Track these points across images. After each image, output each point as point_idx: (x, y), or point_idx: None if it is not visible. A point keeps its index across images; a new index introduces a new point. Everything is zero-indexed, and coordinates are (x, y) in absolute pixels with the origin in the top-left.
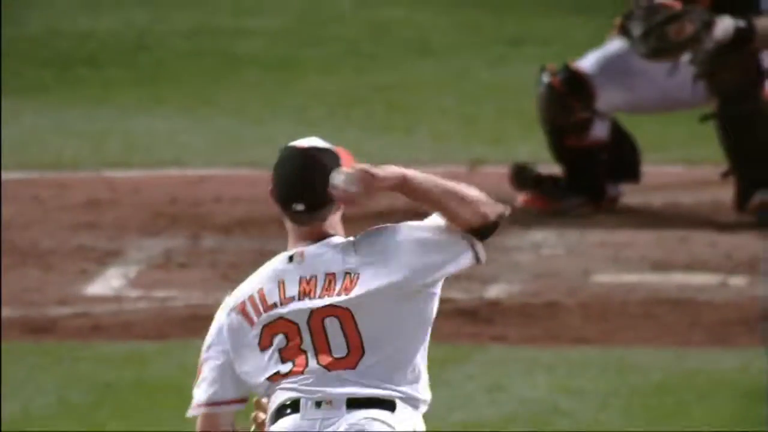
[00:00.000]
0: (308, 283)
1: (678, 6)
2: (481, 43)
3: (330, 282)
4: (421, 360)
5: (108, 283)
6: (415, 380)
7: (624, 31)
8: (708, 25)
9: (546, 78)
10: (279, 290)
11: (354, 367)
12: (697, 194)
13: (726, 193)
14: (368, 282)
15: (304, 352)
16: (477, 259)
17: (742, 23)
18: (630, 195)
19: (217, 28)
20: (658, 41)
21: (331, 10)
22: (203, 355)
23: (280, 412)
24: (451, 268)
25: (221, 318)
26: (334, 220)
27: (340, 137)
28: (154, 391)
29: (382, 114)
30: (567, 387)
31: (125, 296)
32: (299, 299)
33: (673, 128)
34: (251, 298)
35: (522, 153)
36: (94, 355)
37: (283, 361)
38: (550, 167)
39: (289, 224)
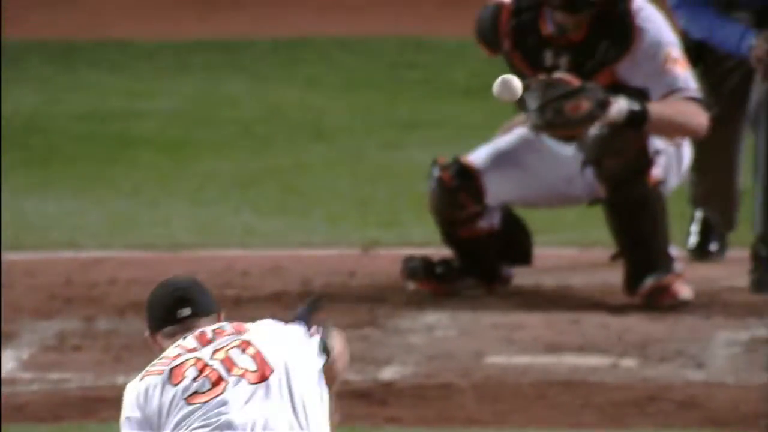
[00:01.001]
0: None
1: (576, 82)
2: (375, 126)
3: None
4: None
5: (1, 365)
6: None
7: (520, 104)
8: (603, 105)
9: (436, 172)
10: (179, 348)
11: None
12: (588, 277)
13: (616, 276)
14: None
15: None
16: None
17: (636, 106)
18: (522, 277)
19: (111, 111)
20: (554, 115)
21: (225, 93)
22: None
23: None
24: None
25: (130, 390)
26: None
27: (235, 219)
28: None
29: (277, 196)
30: None
31: (18, 378)
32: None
33: (564, 211)
34: (153, 365)
35: (415, 235)
36: None
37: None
38: (443, 249)
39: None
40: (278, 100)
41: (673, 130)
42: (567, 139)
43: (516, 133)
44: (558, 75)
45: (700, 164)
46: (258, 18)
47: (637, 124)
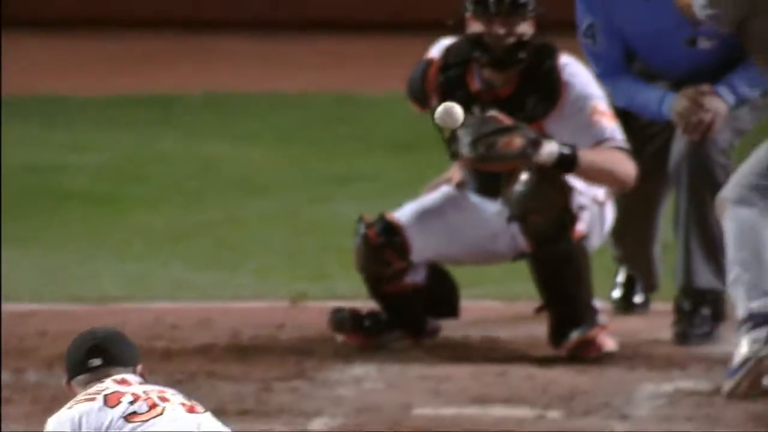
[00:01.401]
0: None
1: (508, 121)
2: (305, 181)
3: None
4: None
5: None
6: None
7: (452, 139)
8: (535, 144)
9: (362, 229)
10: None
11: None
12: (514, 329)
13: (542, 329)
14: None
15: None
16: None
17: (566, 150)
18: (449, 329)
19: (42, 164)
20: (487, 149)
21: (157, 148)
22: None
23: None
24: None
25: (57, 418)
26: None
27: (165, 272)
28: None
29: (207, 250)
30: None
31: None
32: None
33: (490, 265)
34: (77, 399)
35: (343, 288)
36: None
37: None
38: (371, 302)
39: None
40: (210, 154)
41: (602, 176)
42: (493, 192)
43: (441, 190)
44: (492, 113)
45: (620, 228)
46: (190, 73)
47: (567, 167)
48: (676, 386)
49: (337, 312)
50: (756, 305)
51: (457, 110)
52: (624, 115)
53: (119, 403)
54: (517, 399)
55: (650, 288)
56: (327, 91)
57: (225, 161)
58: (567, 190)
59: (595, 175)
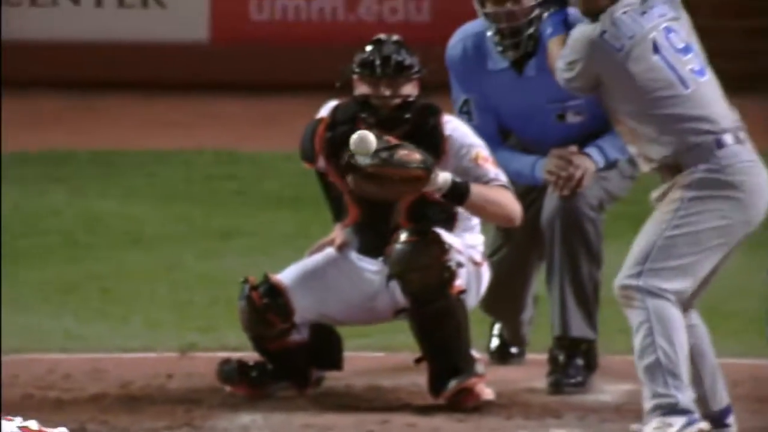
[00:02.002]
0: None
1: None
2: (192, 236)
3: None
4: None
5: None
6: None
7: (351, 156)
8: (432, 165)
9: (246, 291)
10: None
11: None
12: (396, 379)
13: (422, 378)
14: None
15: None
16: None
17: (459, 179)
18: (333, 379)
19: None
20: (389, 156)
21: (47, 203)
22: None
23: None
24: None
25: None
26: None
27: (57, 324)
28: None
29: (98, 302)
30: None
31: None
32: None
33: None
34: None
35: (231, 339)
36: None
37: None
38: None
39: None
40: (98, 209)
41: (491, 210)
42: (375, 251)
43: (324, 253)
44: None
45: (493, 295)
46: (77, 131)
47: (459, 197)
48: None
49: (224, 364)
50: (674, 396)
51: (371, 138)
52: None
53: None
54: None
55: (519, 345)
56: (210, 149)
57: (112, 216)
58: (446, 249)
59: (484, 208)
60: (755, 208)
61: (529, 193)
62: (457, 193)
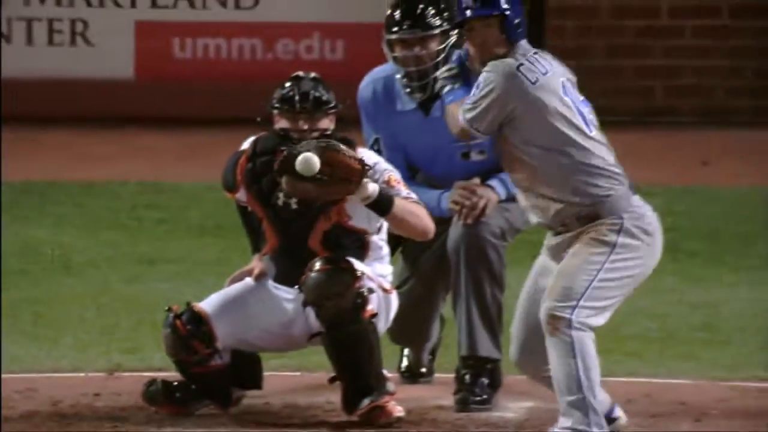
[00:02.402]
0: None
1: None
2: (119, 262)
3: None
4: None
5: None
6: None
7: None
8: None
9: (170, 319)
10: None
11: None
12: (312, 397)
13: (337, 396)
14: None
15: None
16: None
17: (385, 190)
18: (253, 397)
19: None
20: (329, 144)
21: None
22: None
23: None
24: None
25: None
26: None
27: None
28: None
29: (30, 325)
30: None
31: None
32: None
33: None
34: None
35: (156, 360)
36: None
37: None
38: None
39: None
40: (30, 236)
41: (410, 222)
42: (291, 280)
43: (243, 282)
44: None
45: (400, 321)
46: (11, 163)
47: (384, 207)
48: None
49: (150, 384)
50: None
51: (315, 160)
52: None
53: None
54: None
55: (419, 367)
56: (132, 180)
57: (43, 242)
58: (357, 276)
59: (405, 220)
60: (659, 252)
61: (439, 225)
62: (384, 203)
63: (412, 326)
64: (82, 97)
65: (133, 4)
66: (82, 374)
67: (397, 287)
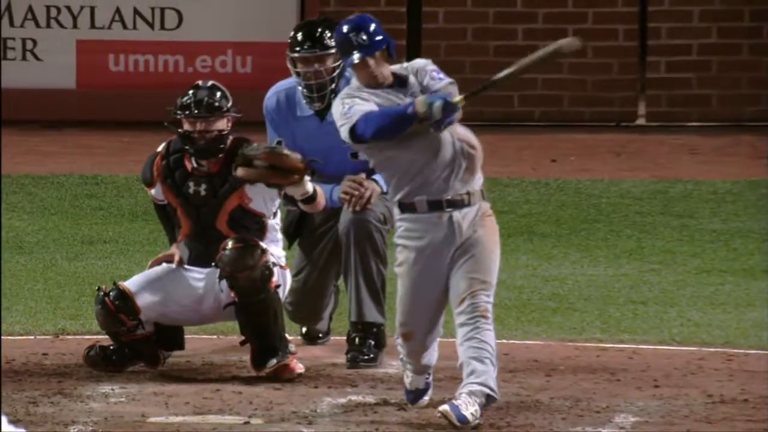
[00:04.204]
0: None
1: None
2: (63, 242)
3: None
4: None
5: None
6: None
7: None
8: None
9: (100, 296)
10: None
11: None
12: (226, 356)
13: (246, 356)
14: None
15: None
16: None
17: (317, 187)
18: (176, 357)
19: None
20: (275, 147)
21: None
22: None
23: None
24: None
25: None
26: None
27: None
28: None
29: None
30: None
31: None
32: None
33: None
34: None
35: (94, 325)
36: None
37: None
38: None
39: None
40: None
41: (321, 205)
42: (204, 262)
43: (163, 266)
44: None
45: (296, 305)
46: None
47: (313, 198)
48: (348, 399)
49: (89, 350)
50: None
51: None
52: (296, 226)
53: None
54: (229, 409)
55: (314, 340)
56: (75, 173)
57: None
58: (264, 252)
59: (319, 203)
60: None
61: (327, 222)
62: (314, 196)
63: (307, 309)
64: (32, 104)
65: (75, 25)
66: (31, 337)
67: (294, 275)
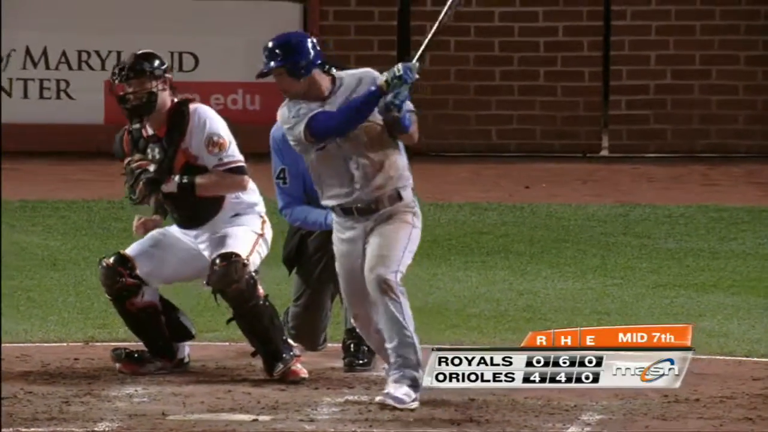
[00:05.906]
0: None
1: (146, 165)
2: (93, 260)
3: None
4: None
5: None
6: None
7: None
8: (157, 182)
9: (103, 262)
10: None
11: None
12: (237, 361)
13: (257, 361)
14: None
15: None
16: None
17: (185, 179)
18: (192, 361)
19: None
20: (130, 190)
21: None
22: None
23: None
24: None
25: None
26: None
27: None
28: None
29: (25, 307)
30: None
31: None
32: None
33: (215, 314)
34: None
35: (120, 333)
36: None
37: None
38: (140, 344)
39: None
40: (26, 242)
41: (217, 191)
42: (192, 224)
43: (153, 233)
44: (140, 159)
45: (299, 328)
46: (10, 186)
47: (190, 190)
48: (345, 399)
49: (115, 350)
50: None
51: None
52: (292, 260)
53: None
54: (239, 408)
55: (313, 349)
56: (103, 199)
57: (35, 246)
58: (246, 264)
59: (212, 192)
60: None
61: (321, 248)
62: (187, 188)
63: (309, 328)
64: (65, 137)
65: (102, 68)
66: (64, 344)
67: (294, 301)
